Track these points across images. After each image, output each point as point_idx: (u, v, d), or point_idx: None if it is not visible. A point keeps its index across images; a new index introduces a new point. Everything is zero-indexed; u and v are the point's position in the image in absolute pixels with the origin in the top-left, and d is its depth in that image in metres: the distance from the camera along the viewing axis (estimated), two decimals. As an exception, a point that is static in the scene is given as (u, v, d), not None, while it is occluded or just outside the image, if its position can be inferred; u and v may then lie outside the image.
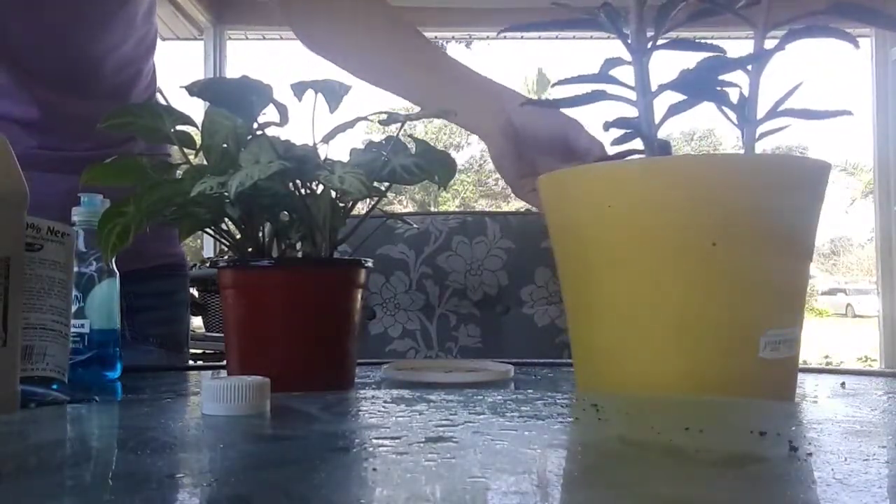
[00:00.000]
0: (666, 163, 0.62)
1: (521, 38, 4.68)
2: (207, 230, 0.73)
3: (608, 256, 0.61)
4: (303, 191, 0.70)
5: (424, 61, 0.92)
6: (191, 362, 1.46)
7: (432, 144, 0.74)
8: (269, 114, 0.68)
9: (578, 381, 0.67)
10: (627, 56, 0.62)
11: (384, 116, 0.72)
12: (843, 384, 0.75)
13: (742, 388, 0.58)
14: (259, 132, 0.68)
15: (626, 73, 0.69)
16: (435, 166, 0.72)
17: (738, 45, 0.66)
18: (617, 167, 0.64)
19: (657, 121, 0.62)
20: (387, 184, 0.72)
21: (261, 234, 0.72)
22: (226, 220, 0.71)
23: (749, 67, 0.62)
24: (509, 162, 0.84)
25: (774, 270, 0.59)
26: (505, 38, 4.89)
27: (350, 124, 0.70)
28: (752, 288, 0.59)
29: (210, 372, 0.91)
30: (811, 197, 0.61)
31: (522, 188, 0.85)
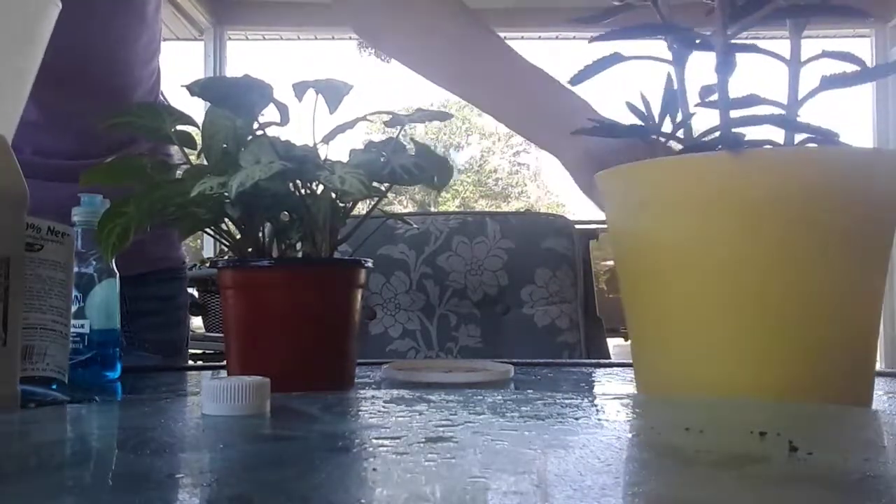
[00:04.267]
0: (745, 157, 0.57)
1: (522, 38, 4.68)
2: (207, 230, 0.73)
3: (679, 256, 0.59)
4: (303, 191, 0.70)
5: (502, 73, 0.89)
6: (190, 362, 1.46)
7: (432, 144, 0.74)
8: (270, 114, 0.68)
9: (639, 382, 0.66)
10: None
11: (385, 117, 0.72)
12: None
13: (822, 394, 0.56)
14: (259, 132, 0.68)
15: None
16: (433, 168, 0.72)
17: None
18: (685, 162, 0.60)
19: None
20: (387, 184, 0.72)
21: (261, 234, 0.72)
22: (226, 220, 0.71)
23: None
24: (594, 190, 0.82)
25: (857, 273, 0.58)
26: (505, 38, 4.88)
27: (350, 124, 0.70)
28: (832, 289, 0.57)
29: (210, 372, 0.91)
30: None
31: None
